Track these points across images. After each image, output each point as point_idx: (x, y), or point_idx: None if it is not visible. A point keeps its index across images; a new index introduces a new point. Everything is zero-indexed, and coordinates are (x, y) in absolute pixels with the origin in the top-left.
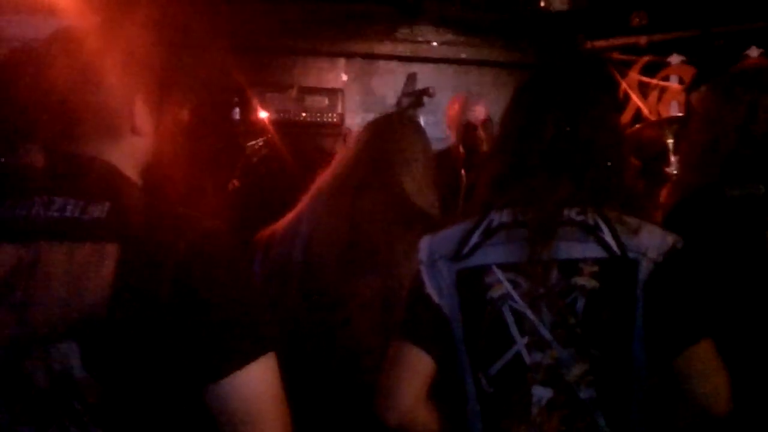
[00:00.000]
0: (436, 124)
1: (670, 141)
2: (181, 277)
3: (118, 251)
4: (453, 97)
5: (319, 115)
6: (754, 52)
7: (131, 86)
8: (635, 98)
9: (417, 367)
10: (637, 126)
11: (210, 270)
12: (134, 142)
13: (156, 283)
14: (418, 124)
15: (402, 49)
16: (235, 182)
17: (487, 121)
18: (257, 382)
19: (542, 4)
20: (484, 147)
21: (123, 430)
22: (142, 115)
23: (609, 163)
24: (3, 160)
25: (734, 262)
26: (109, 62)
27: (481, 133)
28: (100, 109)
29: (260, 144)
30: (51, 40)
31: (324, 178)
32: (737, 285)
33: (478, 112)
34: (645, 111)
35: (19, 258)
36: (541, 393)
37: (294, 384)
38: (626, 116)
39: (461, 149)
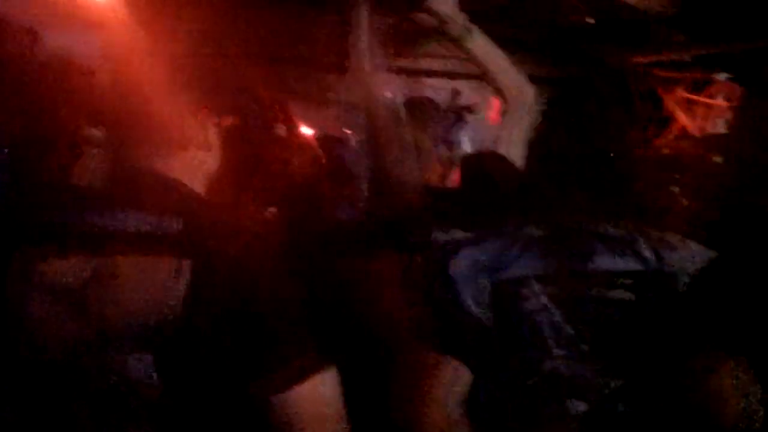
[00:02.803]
0: (481, 141)
1: (716, 159)
2: (248, 286)
3: (191, 263)
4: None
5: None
6: None
7: (194, 102)
8: (680, 115)
9: (455, 380)
10: (683, 143)
11: (274, 280)
12: (197, 156)
13: (226, 294)
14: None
15: (446, 65)
16: (273, 210)
17: None
18: (318, 395)
19: (589, 19)
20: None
21: (177, 428)
22: (204, 129)
23: (647, 180)
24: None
25: None
26: (172, 79)
27: None
28: (165, 125)
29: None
30: (104, 54)
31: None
32: None
33: None
34: (690, 128)
35: (93, 269)
36: (577, 406)
37: None
38: (671, 133)
39: None
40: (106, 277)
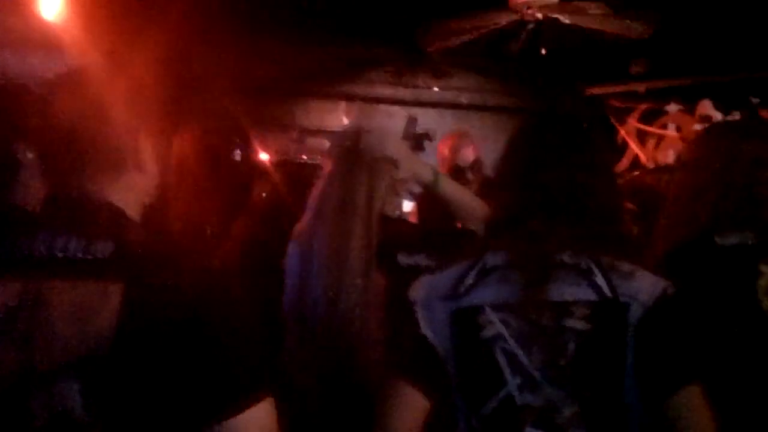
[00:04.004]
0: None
1: (667, 188)
2: (184, 319)
3: (122, 291)
4: (442, 138)
5: (319, 156)
6: (752, 101)
7: (135, 123)
8: (633, 145)
9: (412, 406)
10: (635, 173)
11: (212, 312)
12: (137, 179)
13: (159, 324)
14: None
15: (403, 93)
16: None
17: (475, 163)
18: (254, 424)
19: (543, 51)
20: (474, 188)
21: None
22: (145, 152)
23: (604, 209)
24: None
25: (725, 311)
26: (112, 100)
27: (469, 175)
28: (104, 146)
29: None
30: (57, 76)
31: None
32: (728, 333)
33: (466, 155)
34: (642, 158)
35: (20, 295)
36: None
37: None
38: (624, 163)
39: None
40: (36, 304)
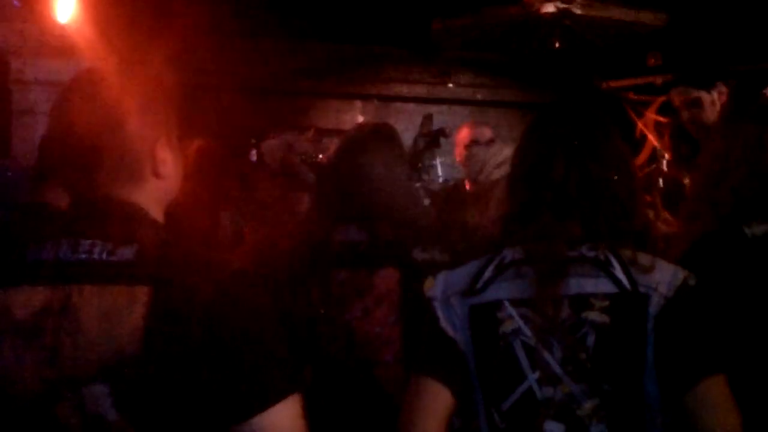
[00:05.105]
0: (453, 164)
1: (686, 179)
2: (210, 319)
3: (149, 293)
4: (461, 126)
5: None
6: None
7: (152, 130)
8: (651, 138)
9: (437, 401)
10: (654, 165)
11: (237, 312)
12: (157, 184)
13: (186, 324)
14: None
15: (418, 90)
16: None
17: (491, 142)
18: (282, 422)
19: (557, 44)
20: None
21: None
22: (163, 158)
23: (621, 202)
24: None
25: (753, 301)
26: (129, 106)
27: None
28: (122, 154)
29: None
30: (72, 83)
31: None
32: (757, 324)
33: (484, 132)
34: (661, 150)
35: (48, 301)
36: (553, 428)
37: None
38: (643, 155)
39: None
40: (64, 309)
